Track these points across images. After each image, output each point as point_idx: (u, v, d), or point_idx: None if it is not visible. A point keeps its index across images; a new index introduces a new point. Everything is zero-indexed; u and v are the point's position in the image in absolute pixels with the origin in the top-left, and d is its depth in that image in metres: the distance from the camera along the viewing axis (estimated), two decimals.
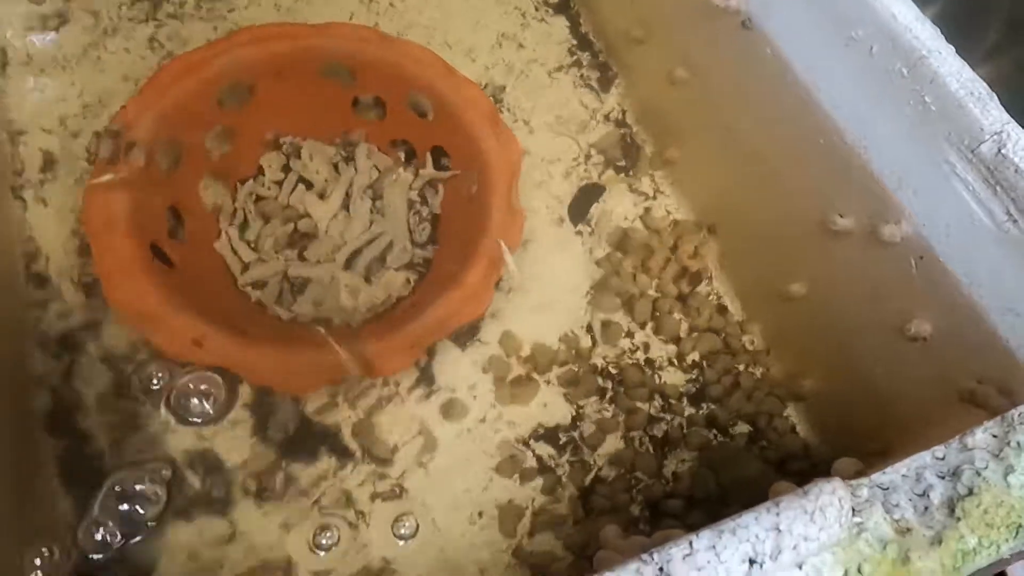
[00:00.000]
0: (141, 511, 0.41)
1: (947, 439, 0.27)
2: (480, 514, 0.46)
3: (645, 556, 0.22)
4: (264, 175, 0.51)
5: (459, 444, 0.47)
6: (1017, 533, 0.25)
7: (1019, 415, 0.26)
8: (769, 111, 0.44)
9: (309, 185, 0.51)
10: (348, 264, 0.50)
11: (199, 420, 0.45)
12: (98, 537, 0.40)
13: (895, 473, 0.27)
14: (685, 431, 0.48)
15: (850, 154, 0.39)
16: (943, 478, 0.26)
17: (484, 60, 0.60)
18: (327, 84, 0.50)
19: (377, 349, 0.42)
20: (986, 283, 0.34)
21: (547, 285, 0.52)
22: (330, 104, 0.51)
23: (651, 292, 0.52)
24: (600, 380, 0.50)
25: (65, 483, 0.42)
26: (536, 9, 0.63)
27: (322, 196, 0.50)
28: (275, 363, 0.41)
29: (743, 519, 0.22)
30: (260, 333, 0.44)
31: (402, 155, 0.53)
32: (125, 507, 0.41)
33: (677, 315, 0.51)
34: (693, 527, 0.23)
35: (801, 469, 0.46)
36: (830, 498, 0.23)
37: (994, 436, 0.27)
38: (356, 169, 0.51)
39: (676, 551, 0.22)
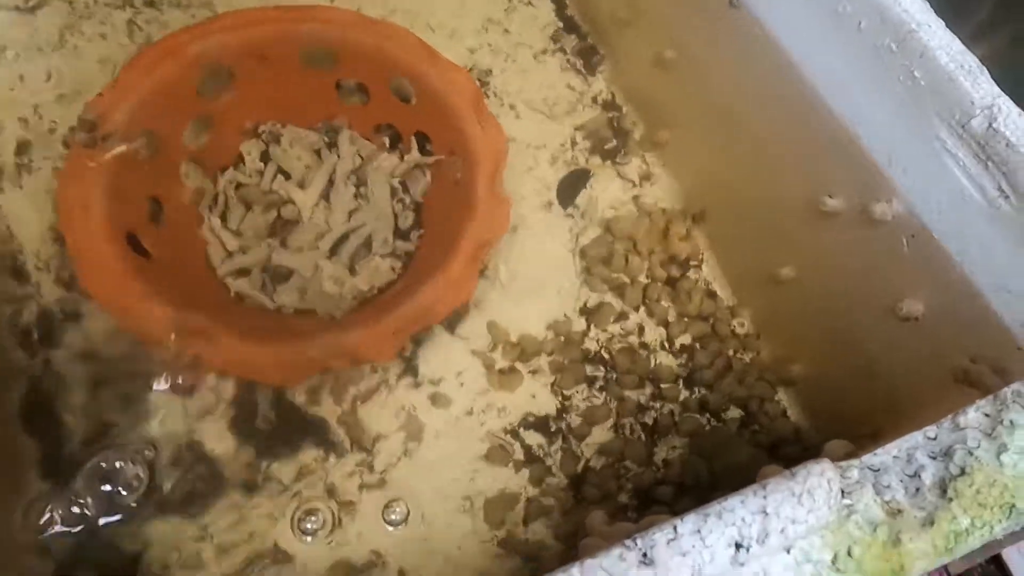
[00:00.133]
0: (123, 492, 0.41)
1: (940, 420, 0.26)
2: (469, 504, 0.45)
3: (628, 542, 0.21)
4: (244, 162, 0.50)
5: (447, 433, 0.46)
6: (1011, 513, 0.24)
7: (1012, 393, 0.26)
8: (758, 90, 0.43)
9: (288, 175, 0.50)
10: (333, 252, 0.49)
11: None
12: (75, 510, 0.39)
13: (886, 454, 0.26)
14: (676, 417, 0.47)
15: (840, 133, 0.38)
16: (935, 458, 0.25)
17: (469, 44, 0.59)
18: (309, 69, 0.49)
19: (361, 338, 0.41)
20: (978, 260, 0.33)
21: (536, 271, 0.51)
22: (312, 89, 0.50)
23: (641, 278, 0.51)
24: (590, 367, 0.49)
25: (43, 474, 0.41)
26: None
27: (301, 185, 0.49)
28: (257, 355, 0.40)
29: (729, 502, 0.22)
30: (241, 324, 0.43)
31: (387, 140, 0.52)
32: (107, 487, 0.40)
33: (667, 300, 0.51)
34: (682, 514, 0.22)
35: (792, 453, 0.45)
36: (818, 480, 0.22)
37: (986, 415, 0.26)
38: (339, 155, 0.50)
39: (660, 536, 0.21)
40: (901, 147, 0.35)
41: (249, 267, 0.47)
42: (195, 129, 0.48)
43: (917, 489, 0.25)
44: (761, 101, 0.43)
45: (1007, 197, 0.31)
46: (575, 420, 0.47)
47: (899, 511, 0.24)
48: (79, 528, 0.40)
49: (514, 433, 0.47)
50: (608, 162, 0.56)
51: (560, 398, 0.48)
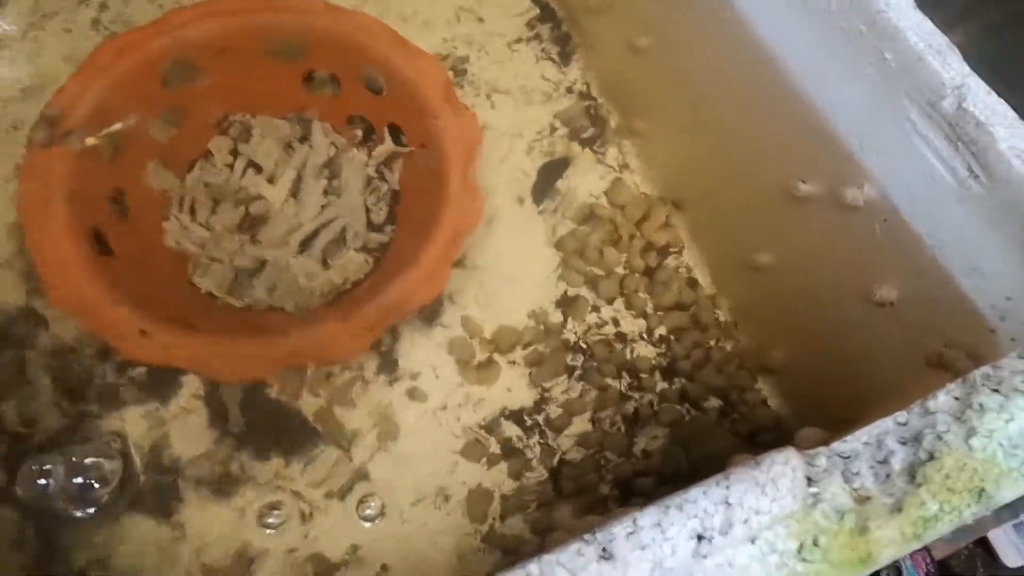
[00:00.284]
0: (96, 485, 0.40)
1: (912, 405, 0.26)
2: (447, 499, 0.45)
3: (588, 536, 0.20)
4: (213, 157, 0.49)
5: (423, 428, 0.46)
6: (980, 497, 0.24)
7: (981, 376, 0.25)
8: (731, 76, 0.43)
9: (259, 169, 0.49)
10: (304, 247, 0.48)
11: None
12: (41, 481, 0.39)
13: (856, 441, 0.26)
14: (656, 407, 0.47)
15: (812, 117, 0.38)
16: (905, 444, 0.25)
17: (442, 33, 0.58)
18: (276, 60, 0.48)
19: (333, 333, 0.41)
20: (951, 243, 0.32)
21: (513, 262, 0.51)
22: (281, 81, 0.49)
23: (619, 268, 0.51)
24: (569, 357, 0.48)
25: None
26: None
27: (271, 180, 0.48)
28: (226, 354, 0.40)
29: (691, 493, 0.21)
30: (210, 323, 0.42)
31: (359, 133, 0.51)
32: (79, 480, 0.40)
33: (645, 290, 0.50)
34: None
35: (772, 441, 0.45)
36: (783, 468, 0.22)
37: (956, 399, 0.25)
38: (312, 147, 0.50)
39: (620, 529, 0.20)
40: (872, 130, 0.35)
41: (217, 264, 0.46)
42: (162, 123, 0.47)
43: (887, 475, 0.24)
44: (734, 87, 0.42)
45: (977, 178, 0.31)
46: (554, 412, 0.47)
47: (868, 498, 0.24)
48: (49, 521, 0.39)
49: (491, 427, 0.46)
50: (585, 151, 0.55)
51: (539, 390, 0.47)
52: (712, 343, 0.49)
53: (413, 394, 0.46)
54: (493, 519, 0.45)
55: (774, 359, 0.46)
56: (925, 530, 0.23)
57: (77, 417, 0.43)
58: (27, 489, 0.39)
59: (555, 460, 0.45)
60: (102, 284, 0.39)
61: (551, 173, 0.54)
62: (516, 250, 0.51)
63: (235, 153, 0.50)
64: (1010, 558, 0.67)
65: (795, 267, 0.43)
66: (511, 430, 0.46)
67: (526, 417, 0.47)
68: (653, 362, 0.48)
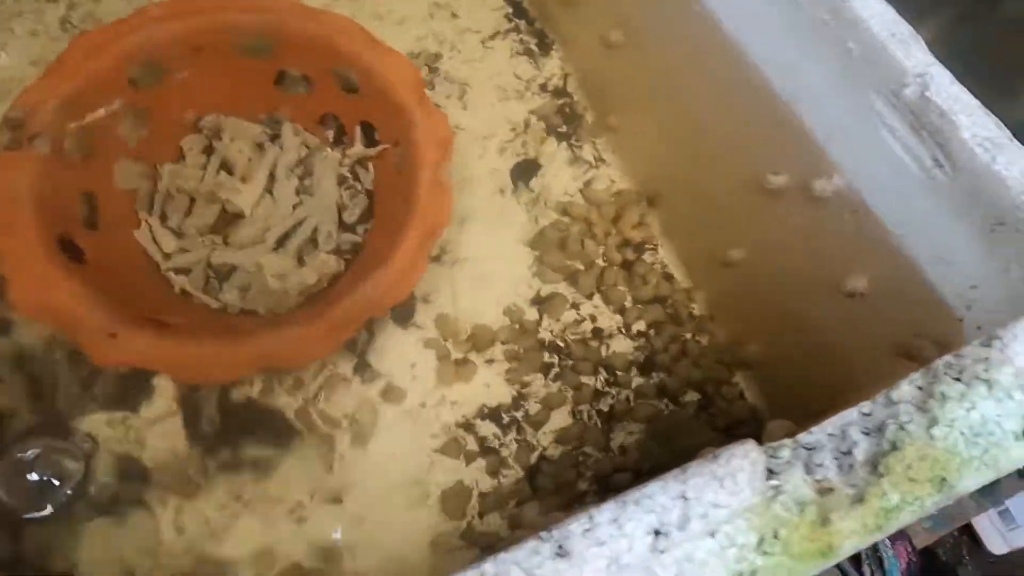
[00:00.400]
0: (56, 482, 0.39)
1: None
2: (425, 497, 0.44)
3: (544, 533, 0.20)
4: (185, 158, 0.49)
5: (400, 428, 0.46)
6: (942, 487, 0.24)
7: (943, 365, 0.25)
8: (702, 69, 0.43)
9: (231, 171, 0.49)
10: (278, 247, 0.48)
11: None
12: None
13: (821, 432, 0.25)
14: (633, 403, 0.47)
15: (781, 109, 0.37)
16: (868, 434, 0.25)
17: (416, 31, 0.58)
18: (247, 59, 0.48)
19: (304, 334, 0.40)
20: (917, 233, 0.32)
21: (488, 261, 0.51)
22: (252, 80, 0.49)
23: (597, 263, 0.51)
24: (547, 355, 0.48)
25: None
26: None
27: (244, 180, 0.48)
28: (199, 356, 0.39)
29: (649, 488, 0.21)
30: (184, 325, 0.42)
31: (331, 133, 0.51)
32: (35, 477, 0.39)
33: (623, 285, 0.50)
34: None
35: (750, 434, 0.45)
36: (741, 462, 0.22)
37: (919, 388, 0.25)
38: (282, 148, 0.49)
39: (576, 527, 0.20)
40: (839, 121, 0.35)
41: (191, 266, 0.46)
42: (132, 124, 0.47)
43: (850, 467, 0.24)
44: (704, 80, 0.42)
45: (941, 167, 0.31)
46: (533, 408, 0.47)
47: (830, 490, 0.24)
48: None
49: (469, 424, 0.46)
50: (560, 148, 0.55)
51: (516, 387, 0.47)
52: (688, 337, 0.49)
53: (389, 394, 0.46)
54: (472, 516, 0.44)
55: (750, 352, 0.46)
56: (887, 521, 0.23)
57: (46, 419, 0.42)
58: None
59: (533, 457, 0.45)
60: (71, 288, 0.38)
61: (525, 171, 0.54)
62: (492, 248, 0.51)
63: (208, 153, 0.49)
64: (995, 545, 0.67)
65: (768, 260, 0.43)
66: (488, 428, 0.46)
67: (504, 415, 0.46)
68: (630, 357, 0.48)
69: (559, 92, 0.57)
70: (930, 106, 0.30)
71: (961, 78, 0.32)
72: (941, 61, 0.32)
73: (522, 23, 0.59)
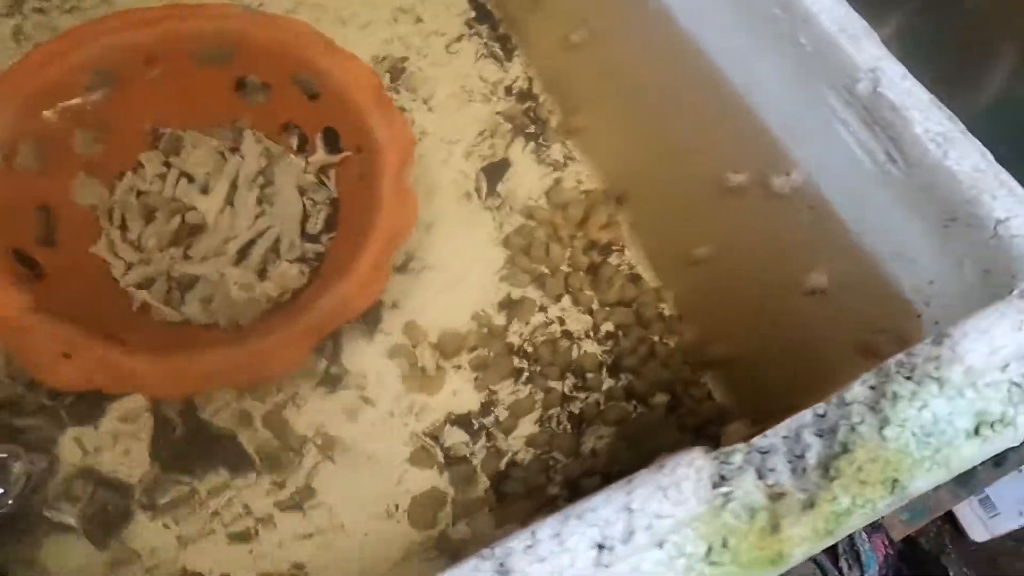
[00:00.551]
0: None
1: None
2: (396, 507, 0.44)
3: (485, 551, 0.20)
4: (144, 169, 0.48)
5: (370, 437, 0.45)
6: (893, 488, 0.23)
7: (895, 364, 0.25)
8: (660, 67, 0.42)
9: (191, 179, 0.48)
10: (241, 258, 0.47)
11: None
12: None
13: (775, 435, 0.25)
14: (602, 406, 0.46)
15: (739, 106, 0.37)
16: (821, 436, 0.25)
17: (382, 35, 0.57)
18: (204, 68, 0.47)
19: (268, 345, 0.40)
20: (874, 228, 0.32)
21: (455, 267, 0.50)
22: (211, 89, 0.48)
23: (564, 267, 0.50)
24: (516, 359, 0.48)
25: None
26: None
27: (205, 191, 0.47)
28: (157, 371, 0.39)
29: (592, 501, 0.21)
30: (142, 339, 0.41)
31: (295, 140, 0.50)
32: None
33: (589, 290, 0.50)
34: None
35: (719, 434, 0.45)
36: (686, 471, 0.22)
37: (872, 388, 0.25)
38: (243, 157, 0.49)
39: (517, 543, 0.20)
40: (795, 117, 0.34)
41: (152, 278, 0.45)
42: (88, 136, 0.46)
43: (803, 470, 0.24)
44: (663, 78, 0.42)
45: (895, 162, 0.30)
46: (502, 414, 0.46)
47: (782, 494, 0.23)
48: None
49: (437, 433, 0.45)
50: (527, 150, 0.54)
51: (485, 393, 0.47)
52: (657, 338, 0.48)
53: (358, 403, 0.46)
54: (446, 524, 0.44)
55: (718, 352, 0.46)
56: (838, 525, 0.23)
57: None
58: None
59: (503, 463, 0.45)
60: (23, 305, 0.37)
61: (492, 174, 0.53)
62: (459, 253, 0.50)
63: (167, 164, 0.49)
64: (977, 533, 0.67)
65: (732, 258, 0.43)
66: (458, 435, 0.46)
67: (473, 421, 0.46)
68: (599, 359, 0.48)
69: (525, 94, 0.56)
70: (882, 101, 0.30)
71: (924, 69, 0.31)
72: (904, 53, 0.32)
73: (485, 27, 0.58)
